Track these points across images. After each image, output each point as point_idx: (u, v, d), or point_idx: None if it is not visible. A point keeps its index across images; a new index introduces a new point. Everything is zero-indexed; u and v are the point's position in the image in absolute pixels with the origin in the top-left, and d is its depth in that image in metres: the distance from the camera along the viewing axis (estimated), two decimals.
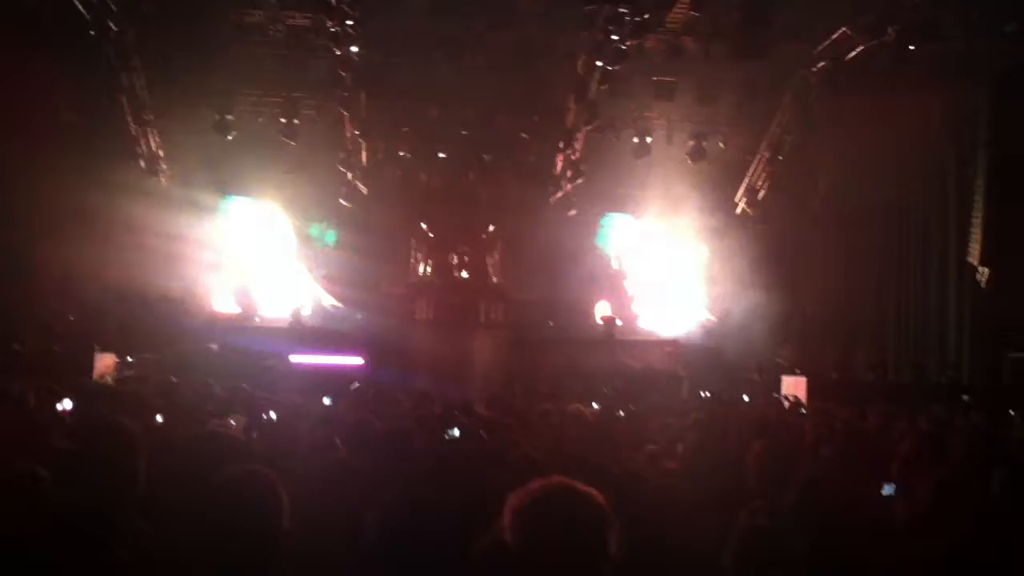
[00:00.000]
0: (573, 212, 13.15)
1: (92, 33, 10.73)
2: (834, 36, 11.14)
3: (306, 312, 12.52)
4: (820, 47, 11.41)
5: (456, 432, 5.22)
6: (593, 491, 2.71)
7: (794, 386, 11.28)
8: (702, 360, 11.91)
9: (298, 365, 10.64)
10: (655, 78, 12.30)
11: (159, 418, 5.78)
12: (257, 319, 12.50)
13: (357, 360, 10.95)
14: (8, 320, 10.88)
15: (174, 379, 7.53)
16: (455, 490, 3.86)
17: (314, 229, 13.30)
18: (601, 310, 13.15)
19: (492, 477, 4.07)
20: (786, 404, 9.49)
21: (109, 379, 9.04)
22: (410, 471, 4.18)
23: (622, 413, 6.66)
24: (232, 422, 5.65)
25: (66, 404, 5.81)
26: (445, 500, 3.39)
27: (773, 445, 5.18)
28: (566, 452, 4.92)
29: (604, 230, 13.75)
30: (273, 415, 5.70)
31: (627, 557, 2.69)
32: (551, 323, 12.59)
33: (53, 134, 11.47)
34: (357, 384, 6.48)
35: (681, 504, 4.38)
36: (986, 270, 11.71)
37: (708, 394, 9.94)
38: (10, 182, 10.89)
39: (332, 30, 10.73)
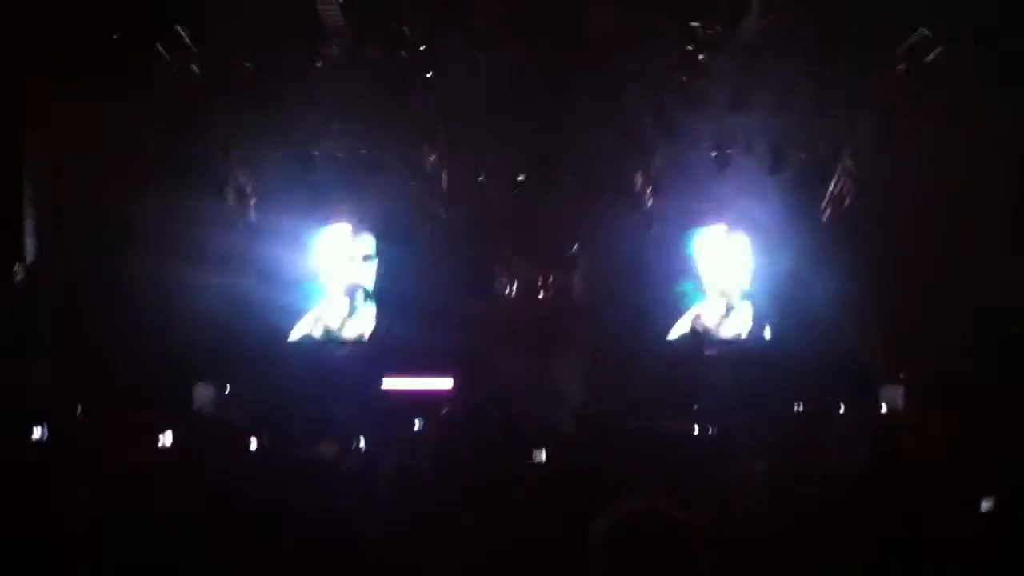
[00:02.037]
0: (654, 228, 13.08)
1: (175, 74, 11.16)
2: (911, 40, 10.91)
3: (392, 333, 12.74)
4: (898, 51, 11.19)
5: (543, 455, 5.25)
6: (682, 515, 2.68)
7: (891, 392, 11.00)
8: (792, 368, 11.68)
9: (388, 391, 10.88)
10: (730, 91, 12.21)
11: (253, 445, 5.95)
12: (346, 343, 12.79)
13: (447, 382, 11.10)
14: (106, 351, 11.25)
15: (268, 407, 7.73)
16: (539, 519, 3.87)
17: (389, 250, 13.39)
18: (687, 322, 13.05)
19: (578, 502, 4.08)
20: (883, 411, 9.27)
21: (207, 408, 9.33)
22: (495, 500, 4.22)
23: (711, 430, 6.61)
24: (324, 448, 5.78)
25: (167, 438, 6.02)
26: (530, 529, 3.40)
27: (864, 457, 5.05)
28: (656, 471, 4.90)
29: (686, 244, 13.64)
30: (362, 442, 5.84)
31: None
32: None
33: (143, 172, 11.88)
34: (446, 410, 6.61)
35: (770, 522, 4.31)
36: None
37: (801, 405, 9.75)
38: (102, 218, 11.38)
39: (405, 57, 11.01)
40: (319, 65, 11.76)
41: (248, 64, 11.49)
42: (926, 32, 10.71)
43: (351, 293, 13.40)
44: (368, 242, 13.42)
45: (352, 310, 13.33)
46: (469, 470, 4.60)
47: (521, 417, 6.29)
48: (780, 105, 12.30)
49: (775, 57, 11.80)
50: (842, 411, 9.59)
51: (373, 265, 13.42)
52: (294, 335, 12.84)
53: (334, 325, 13.04)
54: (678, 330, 13.08)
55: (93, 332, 11.19)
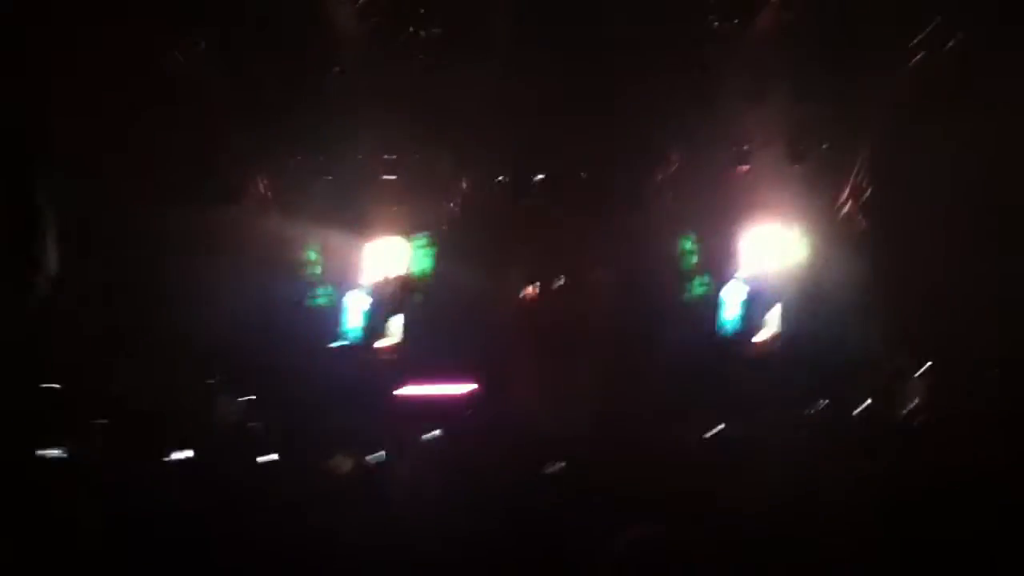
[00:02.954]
0: (674, 227, 13.01)
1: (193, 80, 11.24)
2: (929, 28, 10.80)
3: (414, 338, 12.73)
4: (914, 41, 11.06)
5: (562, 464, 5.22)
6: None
7: (915, 389, 10.84)
8: (814, 366, 11.55)
9: (408, 397, 10.90)
10: (744, 85, 12.11)
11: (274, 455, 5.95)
12: (368, 350, 12.79)
13: (469, 388, 11.13)
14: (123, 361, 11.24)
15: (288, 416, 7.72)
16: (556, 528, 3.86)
17: (413, 252, 13.40)
18: (711, 324, 12.92)
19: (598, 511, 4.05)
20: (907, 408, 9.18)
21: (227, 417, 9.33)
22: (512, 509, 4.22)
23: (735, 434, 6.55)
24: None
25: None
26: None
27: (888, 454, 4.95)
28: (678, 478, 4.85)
29: (696, 243, 13.56)
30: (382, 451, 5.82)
31: None
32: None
33: (162, 178, 11.93)
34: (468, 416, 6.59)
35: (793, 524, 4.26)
36: None
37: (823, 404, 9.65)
38: (123, 224, 11.44)
39: (424, 61, 11.06)
40: (339, 71, 11.83)
41: (266, 71, 11.58)
42: (944, 21, 10.61)
43: (371, 300, 13.44)
44: (389, 247, 13.41)
45: (371, 317, 13.33)
46: (488, 478, 4.59)
47: (541, 424, 6.27)
48: (795, 99, 12.22)
49: (788, 53, 11.73)
50: (865, 408, 9.52)
51: (394, 270, 13.42)
52: (315, 343, 12.83)
53: (355, 332, 13.06)
54: (702, 332, 12.94)
55: (109, 340, 11.23)
